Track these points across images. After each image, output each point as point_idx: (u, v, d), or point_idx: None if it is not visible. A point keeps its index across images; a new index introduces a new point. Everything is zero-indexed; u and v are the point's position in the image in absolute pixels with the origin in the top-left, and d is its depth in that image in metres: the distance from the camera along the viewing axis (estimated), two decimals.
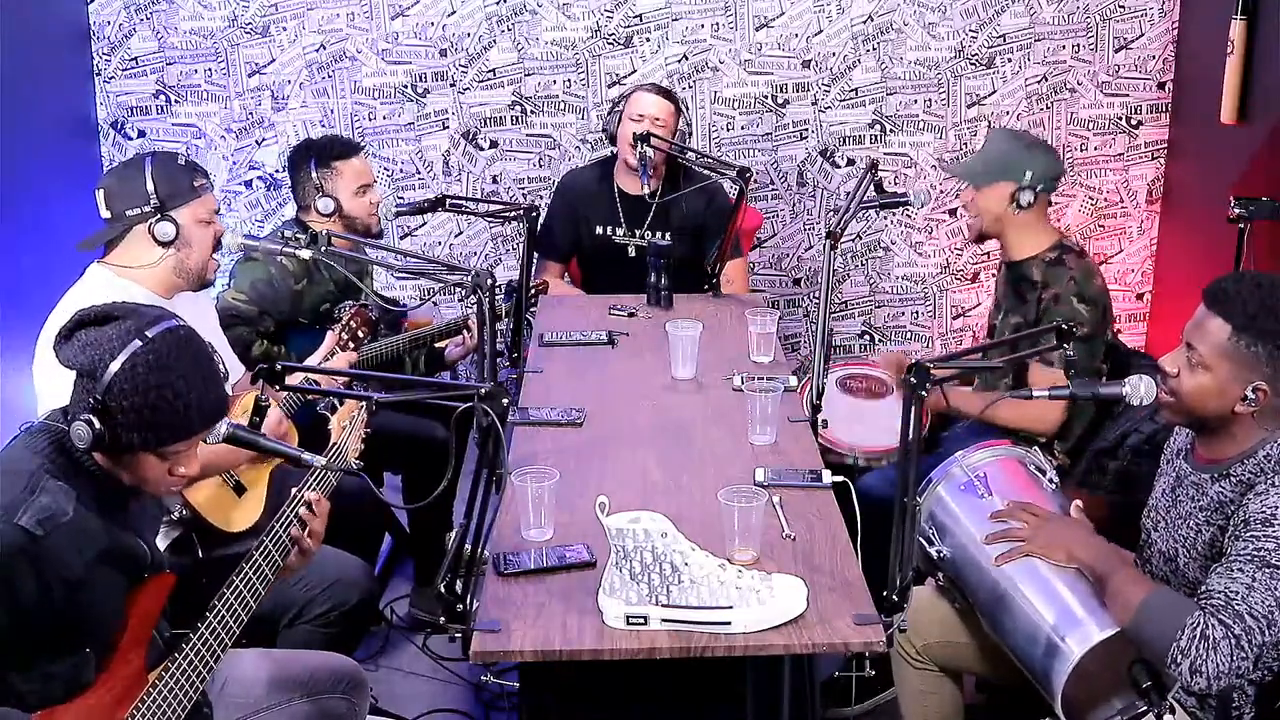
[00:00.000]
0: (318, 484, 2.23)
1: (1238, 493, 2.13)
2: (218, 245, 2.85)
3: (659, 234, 3.95)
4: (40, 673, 1.84)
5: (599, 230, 3.99)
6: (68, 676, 1.86)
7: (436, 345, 3.72)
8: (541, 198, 4.54)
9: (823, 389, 2.79)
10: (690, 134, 4.06)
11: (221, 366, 2.88)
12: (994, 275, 3.59)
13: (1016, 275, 3.14)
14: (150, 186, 2.72)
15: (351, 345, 3.15)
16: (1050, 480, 2.49)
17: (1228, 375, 2.13)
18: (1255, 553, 2.00)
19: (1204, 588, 2.04)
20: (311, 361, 3.02)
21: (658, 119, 3.80)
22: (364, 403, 2.59)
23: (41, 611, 1.80)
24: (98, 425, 1.84)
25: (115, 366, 1.83)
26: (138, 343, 1.85)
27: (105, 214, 2.75)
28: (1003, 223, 3.12)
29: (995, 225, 3.14)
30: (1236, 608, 1.97)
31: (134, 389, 1.83)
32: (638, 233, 3.96)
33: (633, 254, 3.97)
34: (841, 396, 3.35)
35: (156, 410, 1.85)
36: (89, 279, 2.74)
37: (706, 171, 3.82)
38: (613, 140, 3.96)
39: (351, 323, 3.15)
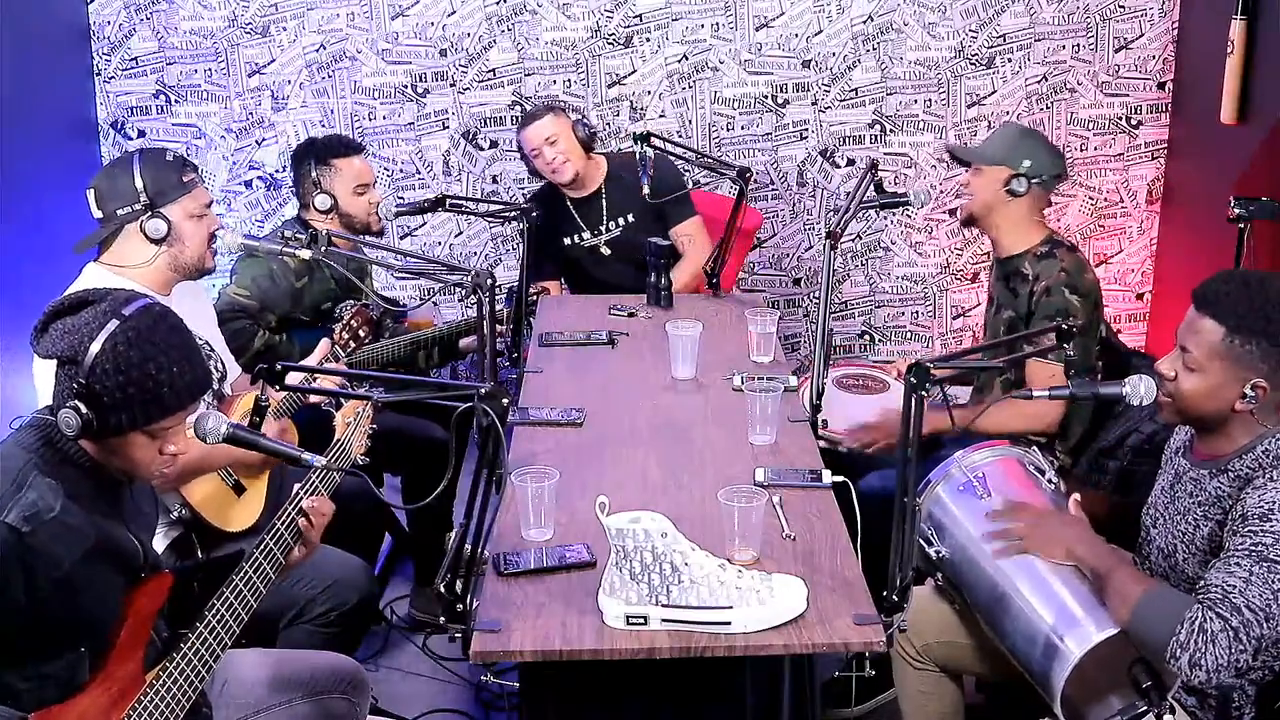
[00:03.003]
0: (320, 482, 2.22)
1: (1235, 488, 2.13)
2: (214, 237, 2.85)
3: (619, 220, 3.99)
4: (34, 672, 1.84)
5: (567, 241, 4.05)
6: (62, 676, 1.85)
7: (460, 343, 3.75)
8: None
9: (823, 389, 2.80)
10: (595, 131, 4.05)
11: (219, 365, 2.91)
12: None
13: (1008, 270, 3.14)
14: (139, 184, 2.72)
15: (353, 345, 3.16)
16: (1050, 480, 2.49)
17: (1224, 375, 2.14)
18: (1253, 547, 2.01)
19: (1202, 582, 2.04)
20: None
21: (547, 139, 3.84)
22: (368, 401, 2.59)
23: (31, 609, 1.80)
24: (85, 410, 1.83)
25: (96, 348, 1.83)
26: (115, 322, 1.85)
27: (97, 214, 2.75)
28: (992, 209, 3.11)
29: (985, 210, 3.13)
30: (1234, 601, 1.97)
31: (116, 368, 1.83)
32: (600, 229, 4.01)
33: (607, 252, 4.03)
34: (839, 393, 3.35)
35: (142, 387, 1.85)
36: (85, 278, 2.74)
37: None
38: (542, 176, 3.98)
39: (352, 322, 3.16)
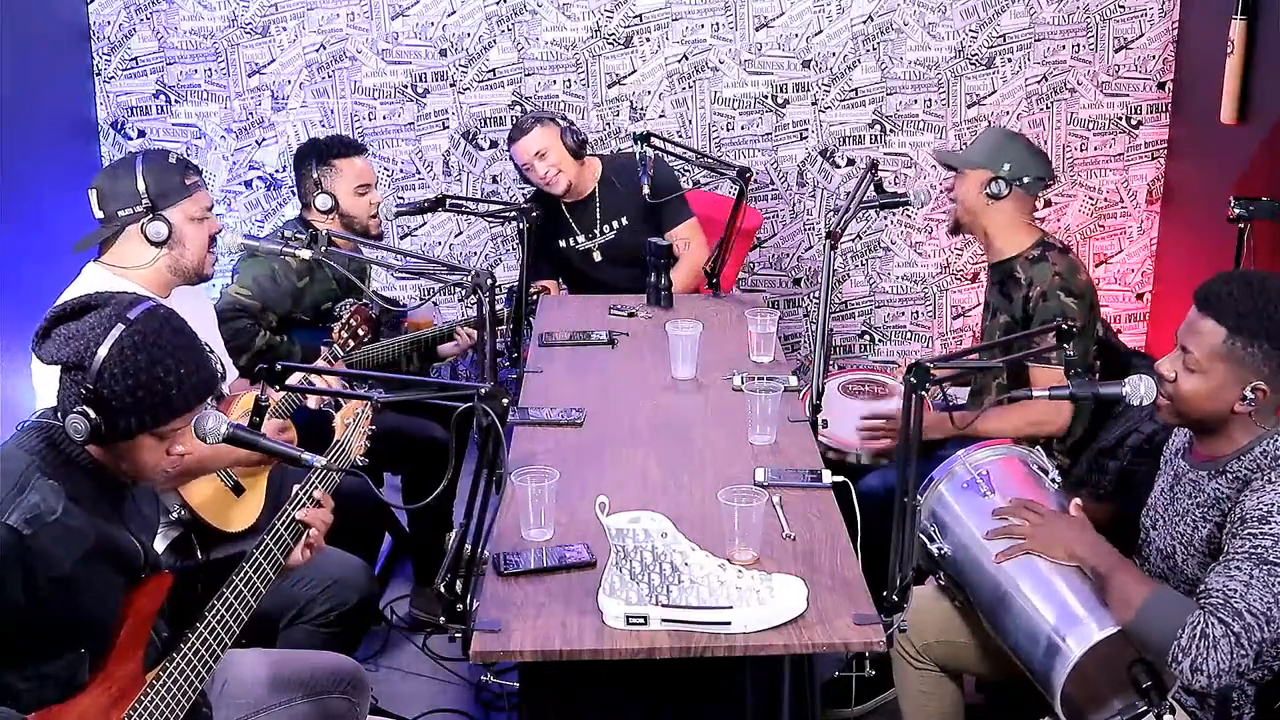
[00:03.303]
0: (320, 483, 2.22)
1: (1234, 489, 2.13)
2: (214, 240, 2.85)
3: (613, 224, 3.99)
4: (34, 672, 1.84)
5: (562, 244, 4.05)
6: (62, 677, 1.85)
7: (439, 349, 3.75)
8: None
9: (822, 389, 2.80)
10: (585, 138, 4.02)
11: (218, 365, 2.91)
12: None
13: (1001, 274, 3.14)
14: (141, 186, 2.72)
15: (351, 343, 3.16)
16: (1053, 480, 2.49)
17: (1225, 377, 2.14)
18: (1252, 550, 2.01)
19: (1203, 586, 2.04)
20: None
21: (536, 153, 3.83)
22: (367, 402, 2.59)
23: (32, 611, 1.80)
24: (94, 416, 1.83)
25: (103, 353, 1.83)
26: (121, 326, 1.85)
27: (98, 214, 2.75)
28: (977, 214, 3.12)
29: (969, 216, 3.13)
30: (1235, 605, 1.97)
31: (125, 372, 1.83)
32: (594, 232, 4.01)
33: (599, 258, 4.03)
34: (845, 400, 3.35)
35: (151, 390, 1.85)
36: (85, 278, 2.74)
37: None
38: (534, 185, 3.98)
39: (351, 320, 3.16)
